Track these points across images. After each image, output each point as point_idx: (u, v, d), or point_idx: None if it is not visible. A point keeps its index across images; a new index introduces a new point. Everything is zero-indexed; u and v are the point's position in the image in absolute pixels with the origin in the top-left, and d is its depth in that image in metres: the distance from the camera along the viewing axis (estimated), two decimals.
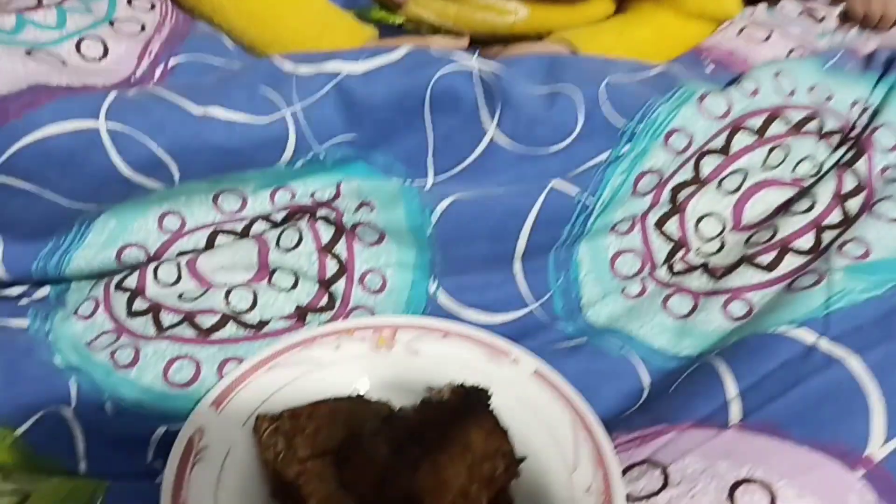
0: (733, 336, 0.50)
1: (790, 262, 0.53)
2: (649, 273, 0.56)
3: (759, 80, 0.56)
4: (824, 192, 0.56)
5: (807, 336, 0.46)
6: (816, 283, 0.50)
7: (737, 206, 0.57)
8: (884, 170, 0.57)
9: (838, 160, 0.58)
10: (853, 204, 0.55)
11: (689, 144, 0.54)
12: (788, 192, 0.57)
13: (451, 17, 0.71)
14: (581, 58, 0.64)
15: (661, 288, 0.56)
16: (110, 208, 0.51)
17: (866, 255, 0.51)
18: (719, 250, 0.57)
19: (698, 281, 0.56)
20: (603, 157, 0.53)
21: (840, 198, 0.56)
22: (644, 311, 0.55)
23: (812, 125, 0.57)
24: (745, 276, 0.54)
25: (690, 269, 0.56)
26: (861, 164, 0.56)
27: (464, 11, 0.71)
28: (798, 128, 0.57)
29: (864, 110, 0.59)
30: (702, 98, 0.54)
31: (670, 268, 0.57)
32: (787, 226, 0.55)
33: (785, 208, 0.57)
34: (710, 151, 0.56)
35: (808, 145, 0.57)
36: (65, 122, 0.45)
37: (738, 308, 0.53)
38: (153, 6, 0.60)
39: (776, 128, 0.56)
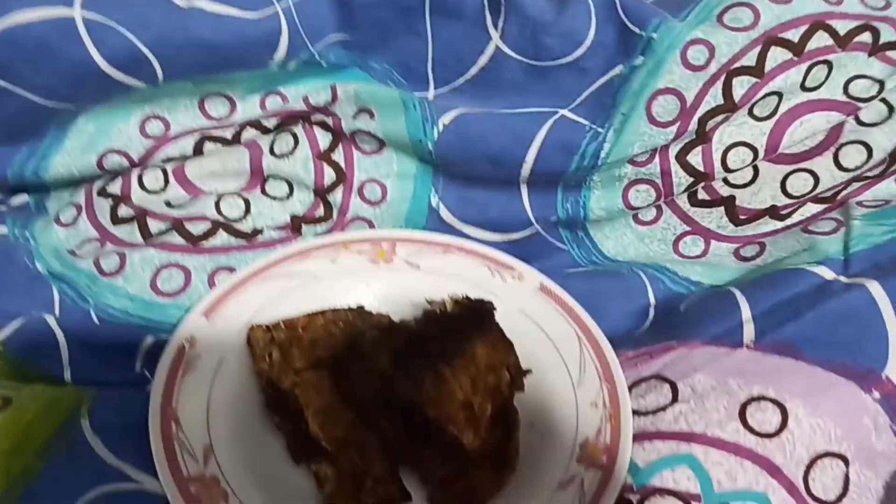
0: (748, 275, 0.49)
1: (806, 211, 0.51)
2: (665, 200, 0.52)
3: None
4: (883, 142, 0.50)
5: (826, 273, 0.44)
6: (835, 230, 0.48)
7: (772, 133, 0.51)
8: None
9: None
10: None
11: (710, 60, 0.48)
12: (838, 117, 0.51)
13: None
14: None
15: (676, 220, 0.53)
16: (88, 110, 0.48)
17: (885, 203, 0.49)
18: (751, 182, 0.52)
19: (717, 223, 0.53)
20: (616, 71, 0.49)
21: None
22: (655, 243, 0.53)
23: (863, 37, 0.49)
24: (762, 226, 0.52)
25: (714, 202, 0.53)
26: None
27: None
28: (845, 41, 0.49)
29: None
30: (721, 13, 0.48)
31: (692, 195, 0.53)
32: (829, 180, 0.51)
33: (837, 138, 0.51)
34: (740, 71, 0.49)
35: (857, 63, 0.50)
36: (36, 9, 0.42)
37: (749, 250, 0.51)
38: None
39: (817, 41, 0.49)
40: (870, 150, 0.51)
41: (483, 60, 0.49)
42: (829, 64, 0.49)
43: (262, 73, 0.49)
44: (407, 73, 0.50)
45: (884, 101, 0.50)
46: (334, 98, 0.49)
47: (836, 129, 0.51)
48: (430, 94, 0.50)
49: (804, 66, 0.49)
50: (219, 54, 0.46)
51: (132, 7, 0.44)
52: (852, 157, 0.51)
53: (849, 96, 0.50)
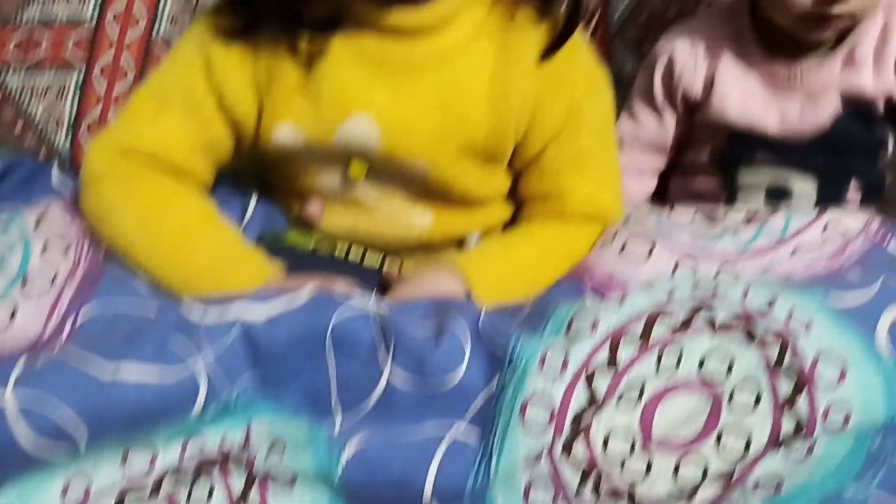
0: None
1: (705, 494, 0.51)
2: (564, 499, 0.52)
3: (629, 291, 0.57)
4: (760, 432, 0.51)
5: None
6: None
7: (643, 417, 0.52)
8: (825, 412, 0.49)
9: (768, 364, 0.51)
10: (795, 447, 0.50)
11: (565, 364, 0.53)
12: (698, 398, 0.51)
13: (362, 232, 0.75)
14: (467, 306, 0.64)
15: None
16: (7, 481, 0.50)
17: (779, 487, 0.50)
18: (647, 474, 0.52)
19: None
20: (493, 384, 0.54)
21: (775, 440, 0.50)
22: None
23: (700, 318, 0.53)
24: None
25: (619, 495, 0.52)
26: (802, 402, 0.50)
27: (373, 228, 0.75)
28: (686, 325, 0.53)
29: (772, 303, 0.54)
30: (569, 326, 0.55)
31: (596, 490, 0.52)
32: (720, 462, 0.50)
33: (712, 430, 0.51)
34: (597, 370, 0.53)
35: (702, 343, 0.52)
36: None
37: None
38: (68, 248, 0.62)
39: (659, 330, 0.53)
40: (748, 437, 0.51)
41: (378, 392, 0.54)
42: (679, 346, 0.52)
43: (182, 423, 0.52)
44: (315, 406, 0.54)
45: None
46: (247, 440, 0.53)
47: (714, 417, 0.52)
48: (337, 425, 0.54)
49: (654, 353, 0.52)
50: (142, 417, 0.50)
51: (57, 387, 0.48)
52: (731, 444, 0.51)
53: (703, 377, 0.52)
